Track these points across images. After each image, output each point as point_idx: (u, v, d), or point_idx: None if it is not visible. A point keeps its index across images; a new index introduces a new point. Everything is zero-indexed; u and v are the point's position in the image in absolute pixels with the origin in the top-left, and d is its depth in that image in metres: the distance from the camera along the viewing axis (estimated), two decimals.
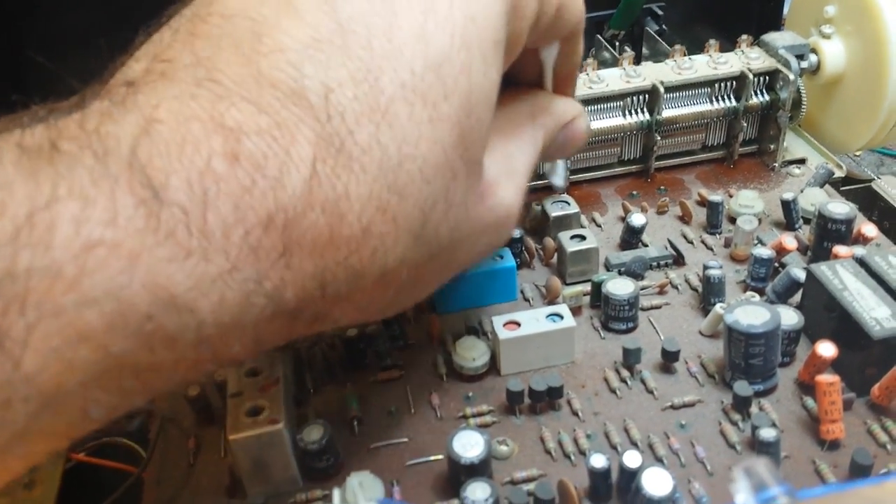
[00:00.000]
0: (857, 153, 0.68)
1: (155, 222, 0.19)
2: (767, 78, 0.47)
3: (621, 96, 0.46)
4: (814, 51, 0.49)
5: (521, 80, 0.33)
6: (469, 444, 0.30)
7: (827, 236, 0.38)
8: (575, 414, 0.33)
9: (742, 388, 0.32)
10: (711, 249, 0.42)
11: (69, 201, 0.18)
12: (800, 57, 0.47)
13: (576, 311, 0.38)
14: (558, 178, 0.43)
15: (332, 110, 0.22)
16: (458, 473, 0.29)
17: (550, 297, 0.38)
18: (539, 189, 0.45)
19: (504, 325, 0.35)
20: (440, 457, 0.31)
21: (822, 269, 0.35)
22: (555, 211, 0.42)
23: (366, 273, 0.23)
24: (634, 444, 0.32)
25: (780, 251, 0.39)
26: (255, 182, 0.20)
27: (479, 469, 0.29)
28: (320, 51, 0.22)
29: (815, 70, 0.49)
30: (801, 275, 0.36)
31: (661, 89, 0.46)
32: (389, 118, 0.23)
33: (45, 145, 0.19)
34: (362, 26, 0.23)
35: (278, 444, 0.29)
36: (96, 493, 0.34)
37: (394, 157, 0.23)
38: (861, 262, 0.35)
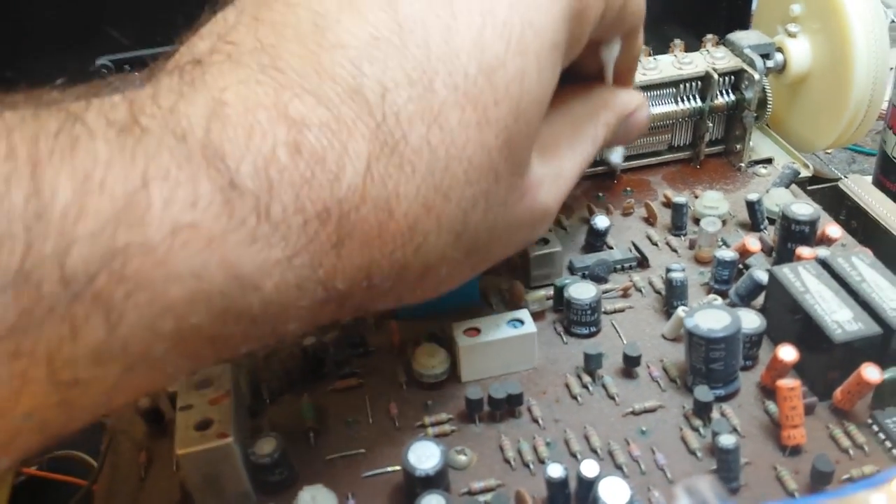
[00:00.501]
0: (828, 151, 0.68)
1: (230, 209, 0.20)
2: (733, 77, 0.47)
3: None
4: (780, 50, 0.49)
5: (581, 73, 0.33)
6: (424, 456, 0.29)
7: (791, 237, 0.38)
8: (535, 421, 0.33)
9: (702, 393, 0.31)
10: (676, 251, 0.41)
11: (160, 183, 0.19)
12: (765, 56, 0.47)
13: (539, 315, 0.37)
14: (616, 155, 0.44)
15: (388, 110, 0.23)
16: (414, 486, 0.29)
17: (513, 302, 0.38)
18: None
19: (464, 331, 0.34)
20: (397, 468, 0.31)
21: (784, 272, 0.34)
22: None
23: (409, 267, 0.24)
24: (594, 452, 0.31)
25: (744, 253, 0.38)
26: (315, 174, 0.21)
27: (435, 481, 0.29)
28: (379, 49, 0.23)
29: (781, 69, 0.49)
30: (763, 277, 0.36)
31: None
32: (440, 121, 0.23)
33: (129, 121, 0.20)
34: (421, 26, 0.24)
35: (228, 459, 0.29)
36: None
37: (441, 160, 0.24)
38: (823, 264, 0.35)
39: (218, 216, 0.20)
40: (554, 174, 0.30)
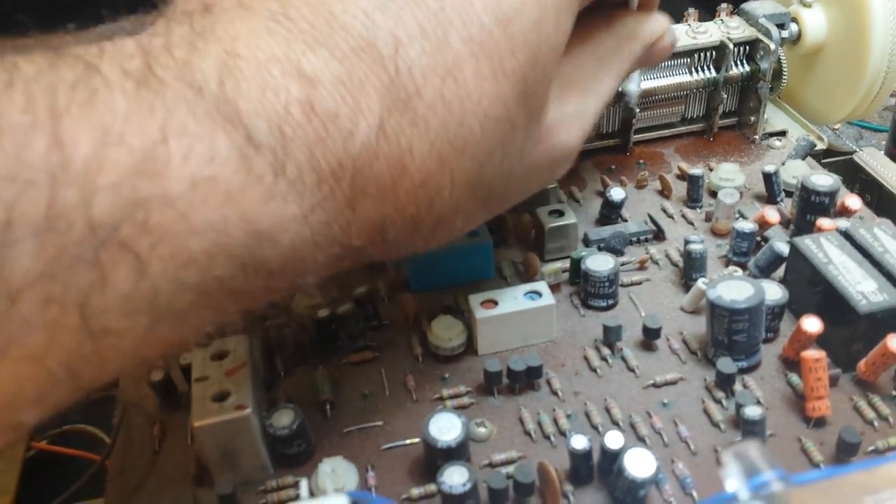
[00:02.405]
0: (837, 126, 0.68)
1: (247, 165, 0.20)
2: (748, 48, 0.46)
3: None
4: (794, 20, 0.48)
5: (605, 1, 0.32)
6: (446, 427, 0.29)
7: (810, 209, 0.38)
8: (555, 394, 0.32)
9: (725, 365, 0.31)
10: (692, 224, 0.41)
11: (178, 137, 0.19)
12: (780, 26, 0.46)
13: (555, 288, 0.37)
14: (633, 83, 0.43)
15: (401, 64, 0.22)
16: (435, 457, 0.28)
17: (529, 275, 0.37)
18: None
19: (481, 303, 0.34)
20: (416, 440, 0.30)
21: (807, 243, 0.34)
22: None
23: (423, 221, 0.24)
24: (616, 424, 0.31)
25: (763, 225, 0.38)
26: (328, 132, 0.21)
27: (457, 452, 0.28)
28: (391, 3, 0.22)
29: (796, 40, 0.48)
30: (784, 248, 0.35)
31: None
32: (454, 74, 0.23)
33: (145, 72, 0.19)
34: None
35: (246, 431, 0.28)
36: (59, 482, 0.33)
37: (456, 114, 0.23)
38: (846, 235, 0.34)
39: (236, 172, 0.20)
40: (576, 112, 0.29)
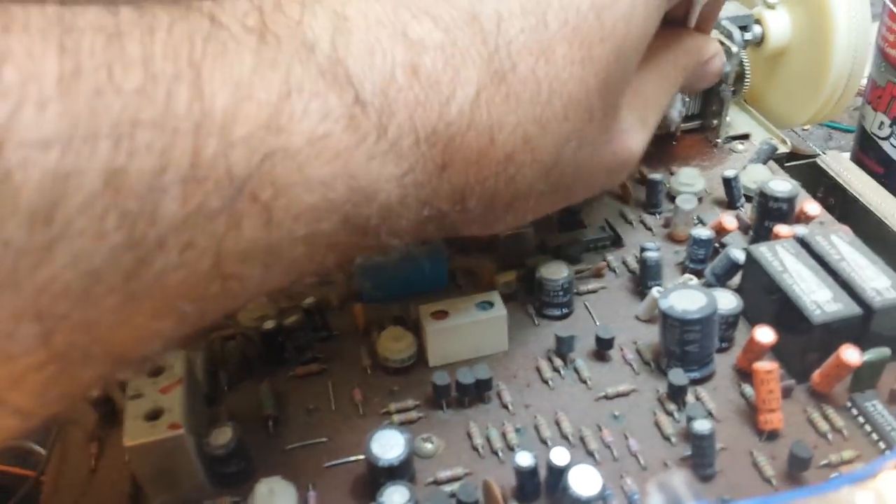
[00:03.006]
0: (805, 128, 0.67)
1: (356, 124, 0.21)
2: None
3: None
4: (758, 21, 0.47)
5: (667, 18, 0.32)
6: (388, 445, 0.28)
7: (768, 215, 0.37)
8: (505, 407, 0.31)
9: (677, 376, 0.30)
10: (651, 230, 0.40)
11: (299, 94, 0.20)
12: (743, 28, 0.45)
13: (509, 297, 0.36)
14: (675, 111, 0.43)
15: (501, 40, 0.23)
16: (377, 476, 0.28)
17: (482, 283, 0.36)
18: None
19: (432, 314, 0.33)
20: (361, 457, 0.29)
21: (762, 251, 0.33)
22: None
23: (500, 196, 0.25)
24: (566, 438, 0.30)
25: (720, 231, 0.37)
26: (428, 97, 0.22)
27: (399, 471, 0.27)
28: None
29: (760, 42, 0.47)
30: (740, 256, 0.34)
31: None
32: (548, 54, 0.24)
33: (263, 30, 0.20)
34: None
35: (181, 450, 0.27)
36: None
37: (545, 93, 0.24)
38: (802, 243, 0.34)
39: (346, 130, 0.21)
40: (641, 120, 0.31)
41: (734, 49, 0.44)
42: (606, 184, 0.31)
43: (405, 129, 0.22)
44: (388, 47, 0.22)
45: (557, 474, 0.27)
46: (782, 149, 0.45)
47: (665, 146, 0.47)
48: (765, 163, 0.43)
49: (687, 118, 0.47)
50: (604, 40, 0.25)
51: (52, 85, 0.16)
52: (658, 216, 0.41)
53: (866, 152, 0.51)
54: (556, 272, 0.35)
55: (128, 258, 0.17)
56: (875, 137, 0.49)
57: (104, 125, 0.17)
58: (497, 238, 0.37)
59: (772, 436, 0.29)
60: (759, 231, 0.37)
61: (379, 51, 0.21)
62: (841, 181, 0.44)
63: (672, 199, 0.41)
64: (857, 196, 0.43)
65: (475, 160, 0.24)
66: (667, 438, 0.30)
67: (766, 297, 0.32)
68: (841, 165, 0.45)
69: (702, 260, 0.36)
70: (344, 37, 0.21)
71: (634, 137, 0.30)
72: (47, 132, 0.16)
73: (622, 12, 0.26)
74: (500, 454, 0.29)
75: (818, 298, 0.31)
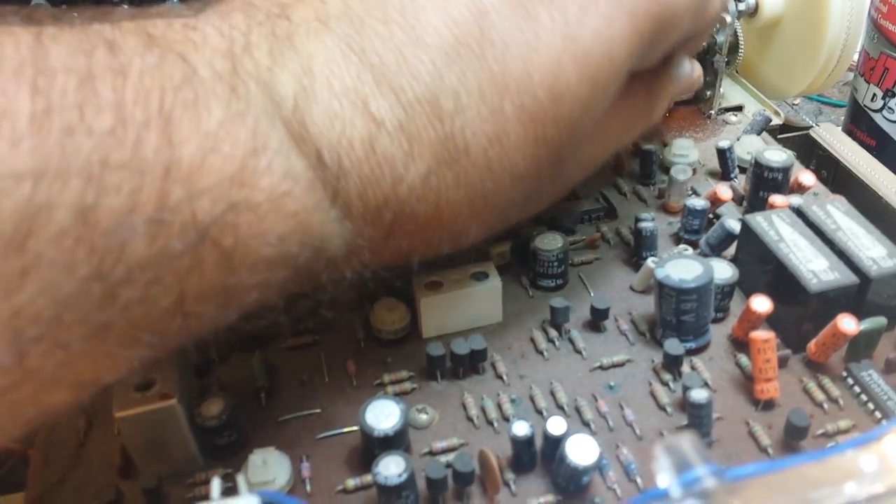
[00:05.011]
0: (795, 101, 0.67)
1: (314, 186, 0.22)
2: None
3: None
4: None
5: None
6: (383, 415, 0.27)
7: (763, 185, 0.37)
8: (499, 377, 0.31)
9: (673, 346, 0.30)
10: (644, 201, 0.40)
11: (266, 152, 0.20)
12: None
13: (503, 268, 0.35)
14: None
15: (457, 122, 0.24)
16: (372, 446, 0.27)
17: (476, 254, 0.36)
18: None
19: (425, 285, 0.33)
20: (354, 428, 0.29)
21: (758, 220, 0.33)
22: None
23: (443, 248, 0.27)
24: (561, 409, 0.30)
25: (715, 202, 0.37)
26: (382, 173, 0.23)
27: (394, 441, 0.27)
28: (459, 56, 0.23)
29: (753, 13, 0.47)
30: (735, 226, 0.34)
31: None
32: (501, 138, 0.24)
33: (234, 78, 0.21)
34: (501, 39, 0.24)
35: (172, 421, 0.27)
36: None
37: (495, 171, 0.25)
38: (798, 212, 0.33)
39: (305, 190, 0.21)
40: (592, 158, 0.31)
41: (728, 19, 0.44)
42: (546, 206, 0.32)
43: (357, 198, 0.23)
44: (348, 117, 0.22)
45: (554, 444, 0.27)
46: (776, 120, 0.45)
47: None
48: (759, 134, 0.43)
49: None
50: (558, 122, 0.25)
51: (25, 122, 0.17)
52: (652, 187, 0.41)
53: (858, 125, 0.50)
54: (551, 243, 0.34)
55: (96, 290, 0.18)
56: (867, 110, 0.49)
57: (75, 163, 0.17)
58: None
59: (768, 405, 0.29)
60: (754, 201, 0.37)
61: (339, 120, 0.22)
62: (834, 153, 0.44)
63: (665, 170, 0.41)
64: (850, 167, 0.43)
65: (422, 228, 0.25)
66: (662, 408, 0.29)
67: (762, 267, 0.32)
68: (834, 137, 0.45)
69: (696, 230, 0.36)
70: (308, 97, 0.22)
71: (581, 171, 0.31)
72: (19, 167, 0.17)
73: (581, 98, 0.26)
74: (496, 424, 0.29)
75: (814, 267, 0.30)
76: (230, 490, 0.27)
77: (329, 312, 0.26)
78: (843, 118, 0.54)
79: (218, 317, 0.22)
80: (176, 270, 0.19)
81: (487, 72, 0.24)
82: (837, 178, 0.44)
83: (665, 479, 0.16)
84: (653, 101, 0.33)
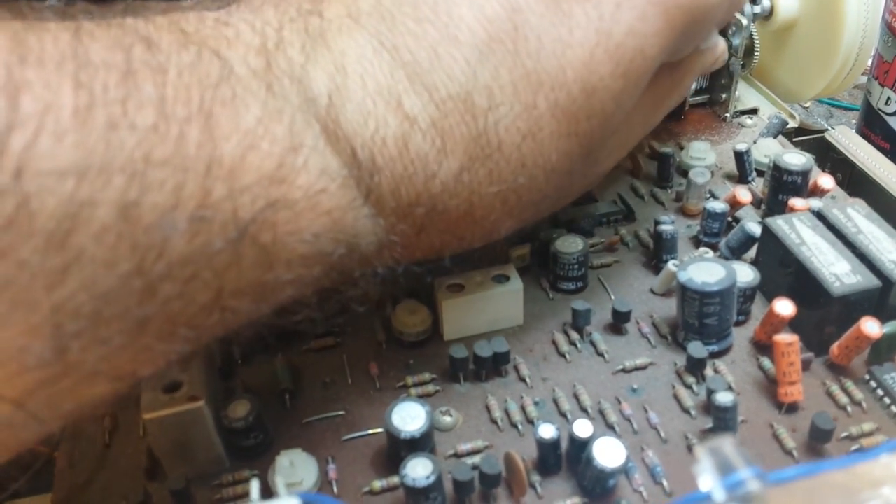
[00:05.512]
0: (807, 104, 0.67)
1: (348, 183, 0.22)
2: None
3: None
4: None
5: None
6: (409, 417, 0.28)
7: (782, 188, 0.37)
8: (522, 380, 0.31)
9: (696, 349, 0.30)
10: (662, 204, 0.40)
11: (302, 149, 0.21)
12: (753, 1, 0.45)
13: (523, 270, 0.35)
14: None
15: (490, 120, 0.23)
16: (398, 448, 0.27)
17: (496, 257, 0.36)
18: None
19: (447, 287, 0.33)
20: (379, 430, 0.29)
21: (779, 223, 0.33)
22: None
23: (475, 244, 0.27)
24: (585, 411, 0.30)
25: (734, 205, 0.37)
26: (416, 170, 0.23)
27: (421, 443, 0.27)
28: (493, 52, 0.23)
29: (769, 15, 0.47)
30: (756, 229, 0.34)
31: None
32: (535, 133, 0.24)
33: (269, 76, 0.21)
34: (535, 35, 0.24)
35: (199, 423, 0.27)
36: (4, 474, 0.31)
37: (528, 167, 0.25)
38: (819, 216, 0.33)
39: (340, 188, 0.21)
40: (622, 142, 0.31)
41: (744, 22, 0.44)
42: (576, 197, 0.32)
43: (389, 195, 0.23)
44: (382, 115, 0.22)
45: (580, 446, 0.27)
46: (791, 123, 0.45)
47: (674, 121, 0.46)
48: (775, 137, 0.43)
49: (696, 92, 0.47)
50: (591, 117, 0.26)
51: (69, 116, 0.17)
52: (669, 190, 0.41)
53: (872, 128, 0.51)
54: (571, 245, 0.35)
55: (136, 286, 0.18)
56: (881, 113, 0.49)
57: (118, 159, 0.17)
58: None
59: (791, 408, 0.29)
60: (773, 205, 0.37)
61: (373, 118, 0.22)
62: (850, 155, 0.44)
63: (683, 173, 0.41)
64: (866, 170, 0.43)
65: (453, 225, 0.25)
66: (686, 411, 0.29)
67: (783, 270, 0.32)
68: (849, 140, 0.45)
69: (716, 233, 0.36)
70: (342, 94, 0.22)
71: (612, 158, 0.31)
72: (64, 162, 0.17)
73: (614, 93, 0.26)
74: (520, 427, 0.29)
75: (837, 271, 0.30)
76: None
77: (360, 307, 0.26)
78: (854, 121, 0.54)
79: (253, 311, 0.22)
80: (215, 267, 0.19)
81: (521, 68, 0.24)
82: (853, 181, 0.44)
83: (708, 481, 0.16)
84: (679, 80, 0.33)
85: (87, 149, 0.17)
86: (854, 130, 0.51)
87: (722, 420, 0.28)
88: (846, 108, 0.68)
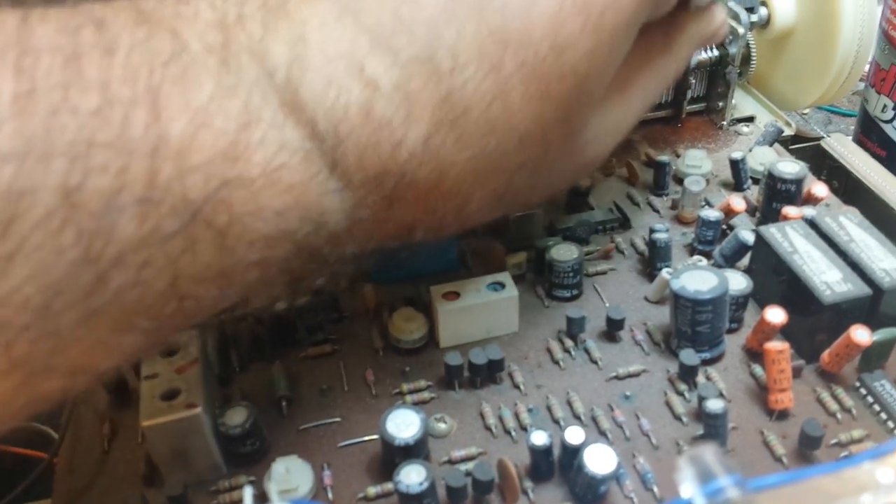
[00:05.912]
0: (805, 111, 0.67)
1: (310, 157, 0.21)
2: None
3: None
4: (764, 3, 0.47)
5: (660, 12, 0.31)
6: (404, 424, 0.28)
7: (776, 197, 0.37)
8: (516, 387, 0.32)
9: (688, 356, 0.31)
10: (658, 212, 0.40)
11: (259, 124, 0.20)
12: (750, 10, 0.46)
13: (518, 278, 0.36)
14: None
15: (455, 82, 0.22)
16: (393, 455, 0.28)
17: (492, 264, 0.36)
18: None
19: (443, 295, 0.33)
20: (375, 437, 0.29)
21: (772, 232, 0.33)
22: None
23: (448, 222, 0.26)
24: (578, 418, 0.30)
25: (728, 213, 0.37)
26: (380, 139, 0.22)
27: (415, 450, 0.28)
28: (456, 12, 0.22)
29: (765, 24, 0.47)
30: (749, 237, 0.35)
31: None
32: (503, 97, 0.23)
33: (224, 51, 0.20)
34: None
35: (197, 430, 0.27)
36: (3, 481, 0.32)
37: (497, 132, 0.24)
38: (811, 224, 0.34)
39: (301, 163, 0.21)
40: (616, 123, 0.30)
41: (740, 31, 0.44)
42: (567, 186, 0.31)
43: (355, 167, 0.22)
44: (345, 83, 0.21)
45: (572, 453, 0.27)
46: (787, 131, 0.46)
47: (670, 129, 0.47)
48: (771, 145, 0.43)
49: (693, 100, 0.47)
50: (563, 78, 0.24)
51: (7, 104, 0.17)
52: (665, 198, 0.41)
53: (869, 135, 0.51)
54: (566, 253, 0.35)
55: (86, 274, 0.18)
56: (878, 121, 0.49)
57: (59, 144, 0.17)
58: (507, 220, 0.37)
59: (782, 415, 0.30)
60: (767, 213, 0.38)
61: (335, 86, 0.21)
62: (845, 164, 0.44)
63: (678, 181, 0.41)
64: (862, 178, 0.43)
65: (424, 196, 0.24)
66: (678, 418, 0.30)
67: (776, 278, 0.33)
68: (845, 148, 0.45)
69: (710, 241, 0.37)
70: (302, 64, 0.21)
71: (605, 142, 0.30)
72: (2, 149, 0.16)
73: (585, 50, 0.24)
74: (514, 434, 0.30)
75: (828, 279, 0.31)
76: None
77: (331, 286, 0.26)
78: (853, 128, 0.55)
79: (218, 298, 0.21)
80: (168, 252, 0.19)
81: (486, 27, 0.23)
82: (849, 188, 0.44)
83: (689, 489, 0.17)
84: (672, 44, 0.32)
85: (26, 135, 0.17)
86: (852, 138, 0.51)
87: (712, 427, 0.28)
88: (844, 115, 0.68)
